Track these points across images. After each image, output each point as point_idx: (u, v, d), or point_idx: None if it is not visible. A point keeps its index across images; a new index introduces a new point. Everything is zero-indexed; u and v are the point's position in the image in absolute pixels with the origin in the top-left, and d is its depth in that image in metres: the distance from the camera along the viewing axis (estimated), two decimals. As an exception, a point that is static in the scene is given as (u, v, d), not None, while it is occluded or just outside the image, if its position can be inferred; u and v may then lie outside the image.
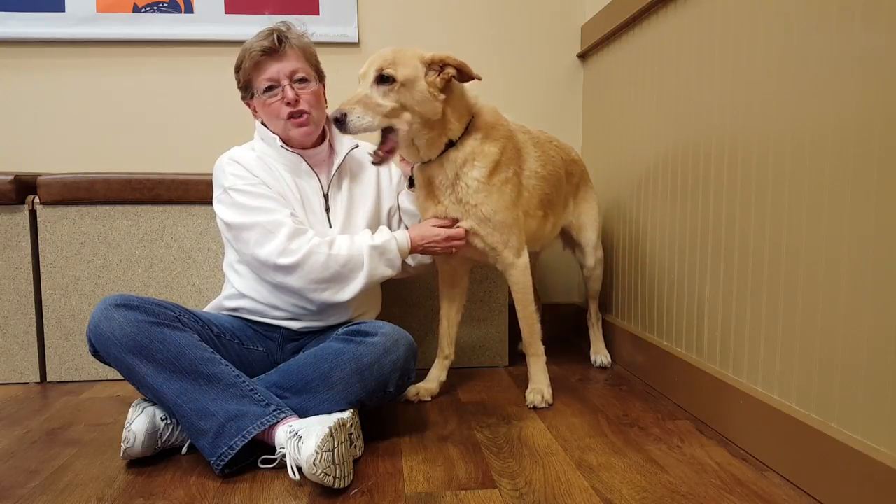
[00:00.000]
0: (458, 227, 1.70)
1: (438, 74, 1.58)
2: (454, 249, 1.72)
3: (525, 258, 1.77)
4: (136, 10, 2.46)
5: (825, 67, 1.20)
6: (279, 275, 1.55)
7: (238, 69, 1.63)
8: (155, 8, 2.47)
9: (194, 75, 2.52)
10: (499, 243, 1.72)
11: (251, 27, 2.47)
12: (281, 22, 1.63)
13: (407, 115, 1.56)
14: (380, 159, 1.60)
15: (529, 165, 1.80)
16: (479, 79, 1.62)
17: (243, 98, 1.69)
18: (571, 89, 2.65)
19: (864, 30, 1.11)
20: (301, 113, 1.60)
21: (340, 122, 1.49)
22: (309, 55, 1.65)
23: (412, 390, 1.86)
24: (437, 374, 1.92)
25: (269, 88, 1.59)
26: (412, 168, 1.75)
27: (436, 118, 1.60)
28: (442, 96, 1.58)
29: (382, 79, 1.52)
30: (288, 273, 1.54)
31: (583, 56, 2.61)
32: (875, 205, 1.09)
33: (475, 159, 1.66)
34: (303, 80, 1.61)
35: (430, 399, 1.86)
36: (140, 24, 2.47)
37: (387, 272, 1.63)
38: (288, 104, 1.59)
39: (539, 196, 1.83)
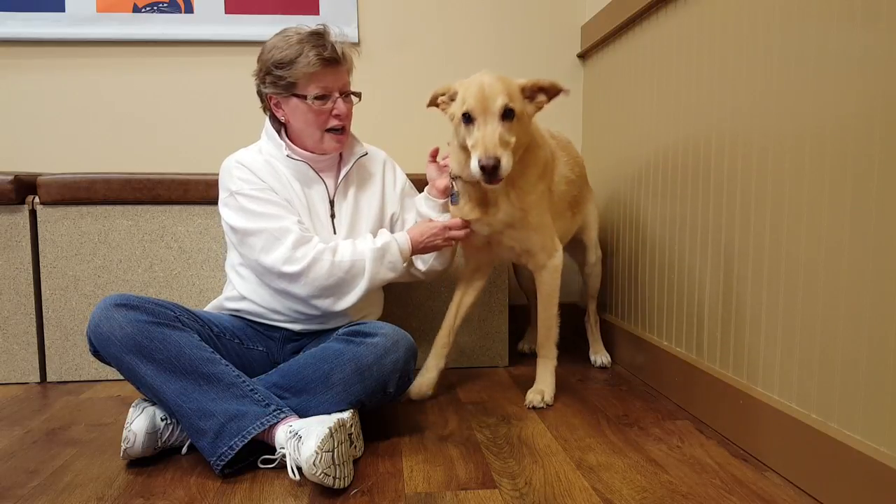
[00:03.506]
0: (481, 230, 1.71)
1: (531, 101, 1.58)
2: (454, 242, 1.72)
3: (556, 260, 1.78)
4: (136, 10, 2.46)
5: (825, 67, 1.20)
6: (283, 282, 1.55)
7: (282, 65, 1.55)
8: (155, 8, 2.47)
9: (194, 75, 2.52)
10: (536, 245, 1.74)
11: (251, 27, 2.49)
12: (322, 25, 1.61)
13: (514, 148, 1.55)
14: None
15: (560, 171, 1.83)
16: (568, 93, 1.62)
17: (272, 92, 1.60)
18: (571, 89, 2.63)
19: (864, 30, 1.11)
20: (343, 129, 1.63)
21: (495, 168, 1.46)
22: (352, 68, 1.67)
23: (413, 389, 1.84)
24: (435, 363, 1.89)
25: (321, 97, 1.58)
26: (453, 182, 1.72)
27: (526, 144, 1.61)
28: (531, 128, 1.60)
29: (507, 113, 1.50)
30: (292, 281, 1.54)
31: (583, 56, 2.61)
32: (875, 204, 1.09)
33: (528, 168, 1.67)
34: (348, 95, 1.64)
35: (431, 391, 1.86)
36: (140, 25, 2.47)
37: (388, 275, 1.62)
38: (337, 117, 1.61)
39: (568, 199, 1.87)
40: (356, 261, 1.57)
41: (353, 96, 1.66)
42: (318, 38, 1.57)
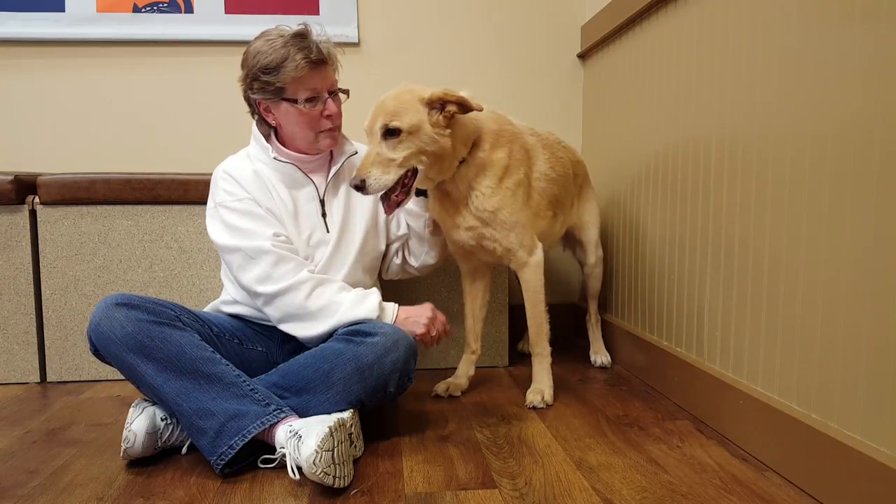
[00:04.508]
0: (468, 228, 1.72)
1: (440, 112, 1.58)
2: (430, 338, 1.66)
3: (537, 257, 1.79)
4: (136, 10, 2.46)
5: (825, 67, 1.20)
6: (259, 301, 1.57)
7: (269, 70, 1.54)
8: (155, 8, 2.47)
9: (194, 75, 2.52)
10: (514, 244, 1.74)
11: (251, 27, 2.46)
12: (303, 24, 1.60)
13: (418, 159, 1.57)
14: (391, 210, 1.60)
15: (539, 167, 1.82)
16: (480, 109, 1.61)
17: (260, 98, 1.59)
18: (571, 89, 2.64)
19: (864, 30, 1.11)
20: (336, 127, 1.64)
21: (361, 188, 1.51)
22: (338, 66, 1.67)
23: (441, 386, 1.89)
24: (465, 370, 1.95)
25: (311, 99, 1.58)
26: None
27: (447, 153, 1.61)
28: (448, 131, 1.59)
29: (389, 132, 1.53)
30: (266, 302, 1.55)
31: (583, 56, 2.61)
32: (875, 204, 1.09)
33: (485, 169, 1.69)
34: (337, 94, 1.64)
35: (459, 395, 1.88)
36: (140, 24, 2.47)
37: (358, 314, 1.54)
38: (328, 117, 1.61)
39: (549, 197, 1.86)
40: (331, 303, 1.54)
41: (341, 94, 1.66)
42: (302, 39, 1.56)
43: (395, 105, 1.55)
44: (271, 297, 1.54)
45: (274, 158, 1.63)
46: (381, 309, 1.58)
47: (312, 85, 1.58)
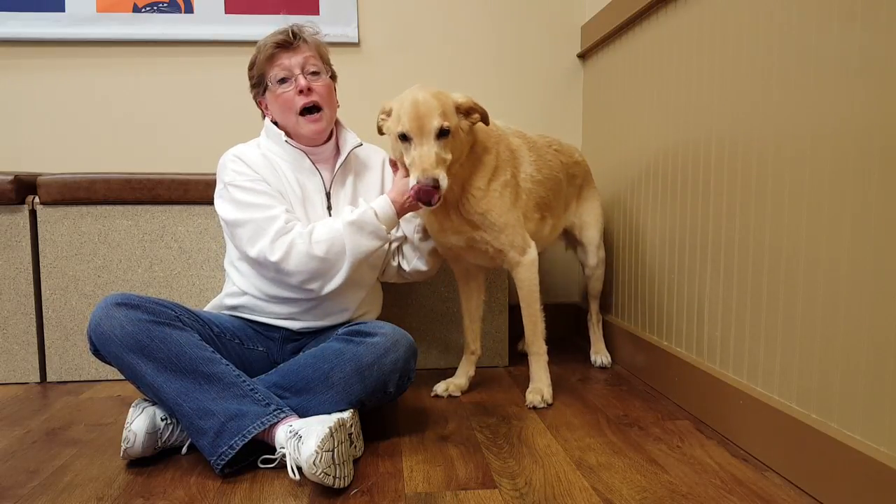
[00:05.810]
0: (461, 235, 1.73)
1: (466, 118, 1.61)
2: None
3: (530, 255, 1.79)
4: (136, 10, 2.46)
5: (825, 68, 1.20)
6: (271, 271, 1.56)
7: (252, 65, 1.67)
8: (155, 8, 2.47)
9: (194, 75, 2.52)
10: (505, 244, 1.74)
11: (251, 27, 2.49)
12: (293, 23, 1.67)
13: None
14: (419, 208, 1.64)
15: (524, 169, 1.82)
16: (488, 124, 1.68)
17: (256, 96, 1.71)
18: (571, 89, 2.65)
19: (864, 30, 1.11)
20: (315, 107, 1.62)
21: (436, 188, 1.49)
22: (322, 52, 1.69)
23: (441, 386, 1.89)
24: (465, 370, 1.95)
25: (283, 80, 1.61)
26: None
27: (461, 157, 1.64)
28: (469, 138, 1.63)
29: (442, 132, 1.54)
30: (278, 269, 1.54)
31: (583, 56, 2.61)
32: (875, 204, 1.09)
33: (476, 170, 1.70)
34: (315, 73, 1.64)
35: (459, 395, 1.88)
36: (140, 24, 2.47)
37: (373, 244, 1.57)
38: (301, 93, 1.60)
39: (535, 199, 1.85)
40: (334, 238, 1.55)
41: (323, 76, 1.65)
42: (281, 31, 1.63)
43: (441, 105, 1.55)
44: (280, 262, 1.52)
45: (286, 141, 1.64)
46: (384, 221, 1.58)
47: (280, 63, 1.61)
